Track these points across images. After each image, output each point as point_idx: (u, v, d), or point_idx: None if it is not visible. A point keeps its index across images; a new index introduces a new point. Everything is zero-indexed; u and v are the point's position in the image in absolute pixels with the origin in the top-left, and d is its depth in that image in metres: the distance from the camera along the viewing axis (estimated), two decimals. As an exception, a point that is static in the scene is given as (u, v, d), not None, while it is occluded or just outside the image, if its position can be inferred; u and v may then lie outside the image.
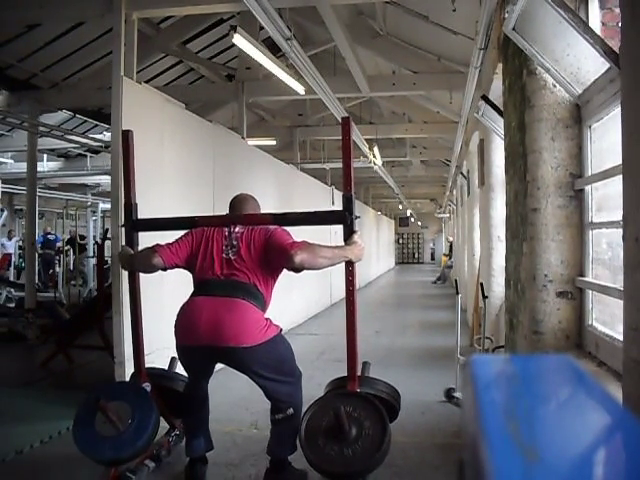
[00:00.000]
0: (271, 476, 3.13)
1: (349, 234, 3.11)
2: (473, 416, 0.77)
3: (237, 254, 3.10)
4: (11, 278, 13.89)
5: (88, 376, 5.66)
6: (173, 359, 3.79)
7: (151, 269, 3.29)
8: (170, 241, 3.30)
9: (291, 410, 3.10)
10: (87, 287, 12.97)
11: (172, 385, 3.57)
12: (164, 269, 3.28)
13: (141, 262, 3.32)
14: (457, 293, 5.32)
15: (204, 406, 3.35)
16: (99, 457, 3.07)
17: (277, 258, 3.05)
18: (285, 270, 3.13)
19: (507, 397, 0.86)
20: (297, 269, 3.01)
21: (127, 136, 3.62)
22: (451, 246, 20.69)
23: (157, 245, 3.26)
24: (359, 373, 3.17)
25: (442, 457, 3.58)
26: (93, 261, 12.99)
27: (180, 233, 3.38)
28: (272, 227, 3.20)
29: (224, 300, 2.99)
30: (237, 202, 3.44)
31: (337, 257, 3.06)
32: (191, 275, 3.26)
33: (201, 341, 2.96)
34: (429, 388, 5.06)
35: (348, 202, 3.11)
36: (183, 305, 3.17)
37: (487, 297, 5.06)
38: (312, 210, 3.47)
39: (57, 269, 14.21)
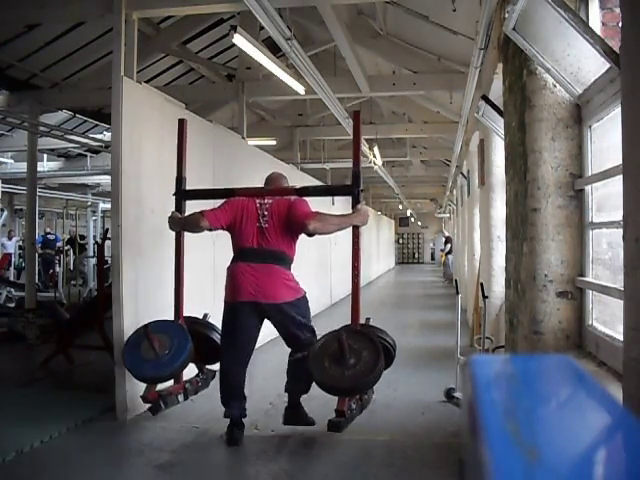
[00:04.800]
0: (289, 411, 3.87)
1: (355, 203, 3.79)
2: (473, 416, 0.77)
3: (268, 223, 3.81)
4: (11, 278, 13.88)
5: (88, 376, 5.66)
6: (206, 314, 4.40)
7: (199, 230, 4.00)
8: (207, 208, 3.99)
9: (306, 353, 3.72)
10: (87, 287, 12.96)
11: (204, 331, 4.19)
12: (210, 230, 3.97)
13: (191, 224, 4.00)
14: (457, 293, 5.32)
15: (240, 380, 3.90)
16: (142, 375, 3.87)
17: (296, 226, 3.78)
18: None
19: (507, 397, 0.86)
20: (311, 234, 3.78)
21: (182, 124, 4.40)
22: (446, 241, 20.33)
23: (204, 210, 3.92)
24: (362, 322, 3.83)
25: (442, 457, 3.57)
26: (93, 261, 12.98)
27: (213, 202, 4.13)
28: (293, 198, 3.94)
29: (261, 266, 3.74)
30: (271, 178, 4.21)
31: (344, 223, 3.85)
32: (231, 240, 3.96)
33: (245, 298, 3.71)
34: (429, 388, 5.06)
35: (356, 177, 3.81)
36: (228, 270, 3.88)
37: (487, 297, 5.06)
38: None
39: (57, 269, 14.20)
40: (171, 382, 4.21)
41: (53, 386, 5.33)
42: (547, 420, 0.78)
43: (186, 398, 4.15)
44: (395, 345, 3.91)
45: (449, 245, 19.55)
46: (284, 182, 4.21)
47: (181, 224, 4.08)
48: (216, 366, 4.30)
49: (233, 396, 3.83)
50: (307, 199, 3.97)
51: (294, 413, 3.87)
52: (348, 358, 3.50)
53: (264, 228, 3.80)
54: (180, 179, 4.23)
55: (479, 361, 0.98)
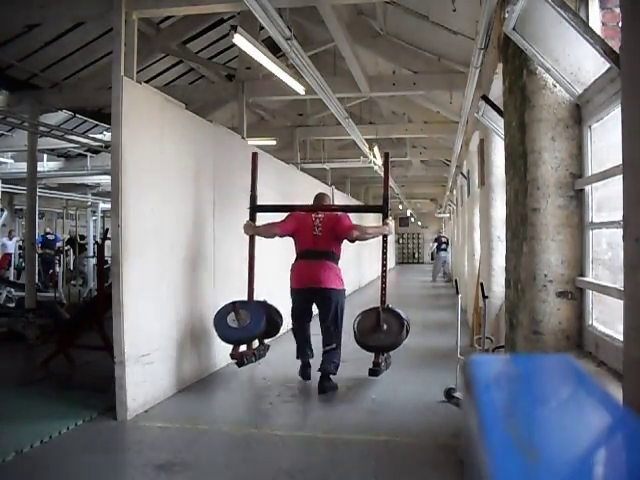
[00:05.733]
0: (323, 383, 5.08)
1: (384, 218, 5.34)
2: (473, 416, 0.77)
3: (321, 232, 5.23)
4: (11, 278, 13.87)
5: (88, 376, 5.66)
6: (265, 300, 5.57)
7: (272, 236, 5.47)
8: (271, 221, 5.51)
9: (335, 345, 5.17)
10: (87, 287, 12.95)
11: (267, 310, 5.43)
12: (281, 236, 5.41)
13: (267, 231, 5.46)
14: (457, 293, 5.32)
15: (307, 335, 5.43)
16: (231, 338, 5.21)
17: (341, 235, 5.28)
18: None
19: (507, 397, 0.86)
20: (353, 242, 5.38)
21: (255, 157, 5.82)
22: (435, 240, 21.02)
23: (275, 221, 5.42)
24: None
25: (442, 457, 3.57)
26: (93, 261, 12.98)
27: (271, 215, 5.65)
28: (339, 214, 5.42)
29: (317, 262, 5.17)
30: (319, 197, 5.76)
31: (376, 233, 5.48)
32: (294, 243, 5.40)
33: (307, 285, 5.18)
34: (429, 388, 5.05)
35: (385, 200, 5.43)
36: (293, 266, 5.32)
37: (487, 297, 5.05)
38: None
39: (57, 269, 14.19)
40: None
41: (53, 386, 5.32)
42: (547, 420, 0.78)
43: (256, 359, 5.44)
44: (409, 322, 5.29)
45: (436, 244, 20.64)
46: (327, 200, 5.82)
47: (255, 230, 5.48)
48: (269, 340, 5.83)
49: (303, 347, 5.36)
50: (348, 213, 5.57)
51: (326, 385, 5.08)
52: (382, 326, 5.08)
53: (318, 236, 5.22)
54: (254, 197, 5.59)
55: (479, 361, 0.98)
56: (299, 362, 5.46)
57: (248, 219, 5.50)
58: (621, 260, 2.05)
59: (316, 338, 5.46)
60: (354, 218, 5.86)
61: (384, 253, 5.40)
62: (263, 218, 5.70)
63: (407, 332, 5.22)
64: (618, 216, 2.12)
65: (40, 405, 4.62)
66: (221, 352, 6.06)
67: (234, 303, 5.23)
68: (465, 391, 1.02)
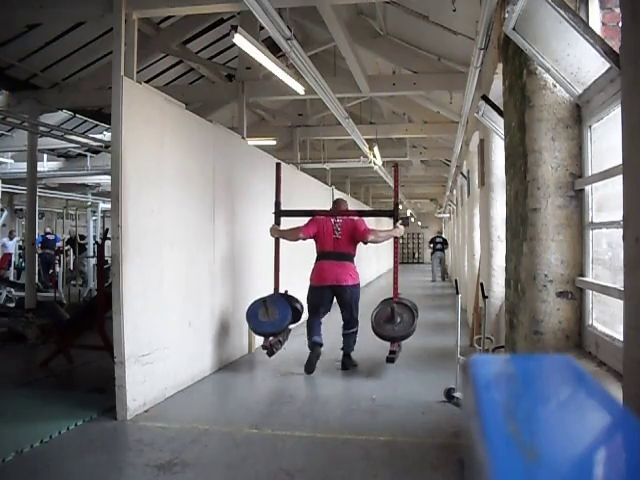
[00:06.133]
0: (344, 361, 5.92)
1: (394, 222, 5.99)
2: (473, 416, 0.77)
3: (341, 235, 5.88)
4: (11, 278, 13.87)
5: (88, 376, 5.66)
6: (286, 291, 6.17)
7: (296, 239, 6.08)
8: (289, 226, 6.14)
9: (354, 329, 5.96)
10: (87, 287, 12.95)
11: (289, 302, 6.04)
12: (304, 239, 6.03)
13: (291, 234, 6.06)
14: (457, 293, 5.32)
15: (319, 326, 5.95)
16: (262, 331, 5.87)
17: (358, 238, 5.93)
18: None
19: (507, 397, 0.86)
20: (366, 243, 6.02)
21: (278, 167, 6.51)
22: (431, 240, 21.24)
23: (300, 226, 6.00)
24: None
25: (442, 457, 3.57)
26: (93, 261, 12.97)
27: (293, 219, 6.25)
28: (356, 218, 6.11)
29: (337, 262, 5.84)
30: (337, 203, 6.46)
31: (389, 235, 6.09)
32: (315, 245, 5.99)
33: (328, 283, 5.81)
34: (429, 388, 5.05)
35: (396, 206, 6.12)
36: (314, 266, 5.94)
37: (487, 297, 5.05)
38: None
39: (57, 269, 14.19)
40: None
41: (53, 386, 5.32)
42: (547, 420, 0.78)
43: (281, 345, 6.08)
44: (418, 308, 6.05)
45: (431, 245, 20.91)
46: (344, 205, 6.36)
47: (280, 234, 6.12)
48: (292, 325, 6.25)
49: (313, 336, 5.84)
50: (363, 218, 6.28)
51: (347, 361, 5.92)
52: (396, 319, 5.75)
53: (338, 238, 5.87)
54: (278, 203, 6.23)
55: (479, 361, 0.98)
56: (306, 358, 5.76)
57: (274, 223, 6.14)
58: (621, 260, 2.05)
59: (328, 339, 5.75)
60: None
61: (395, 254, 6.19)
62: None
63: (417, 317, 5.89)
64: (618, 216, 2.12)
65: (40, 405, 4.62)
66: (222, 351, 6.07)
67: (264, 300, 5.88)
68: (465, 391, 1.02)
